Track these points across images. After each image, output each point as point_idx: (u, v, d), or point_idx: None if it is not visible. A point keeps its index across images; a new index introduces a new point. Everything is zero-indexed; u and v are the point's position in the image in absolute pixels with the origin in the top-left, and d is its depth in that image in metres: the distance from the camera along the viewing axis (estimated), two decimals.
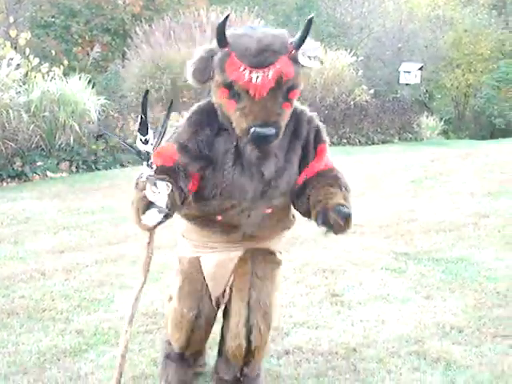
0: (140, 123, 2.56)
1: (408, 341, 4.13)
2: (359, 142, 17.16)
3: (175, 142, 2.87)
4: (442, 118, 21.36)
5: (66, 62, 12.93)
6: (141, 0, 20.98)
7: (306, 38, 2.74)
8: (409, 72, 19.47)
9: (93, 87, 12.61)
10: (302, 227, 6.81)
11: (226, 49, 2.69)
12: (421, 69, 19.92)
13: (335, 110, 16.93)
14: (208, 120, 2.89)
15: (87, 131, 11.32)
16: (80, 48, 20.36)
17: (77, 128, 11.03)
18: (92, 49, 17.07)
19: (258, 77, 2.62)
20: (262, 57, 2.65)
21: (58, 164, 10.83)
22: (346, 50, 18.69)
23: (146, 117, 2.55)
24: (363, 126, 17.49)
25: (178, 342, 3.35)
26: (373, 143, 17.27)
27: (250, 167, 2.85)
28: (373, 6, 26.43)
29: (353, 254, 5.90)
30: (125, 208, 7.87)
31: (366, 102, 17.96)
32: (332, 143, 14.49)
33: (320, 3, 27.04)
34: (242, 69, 2.64)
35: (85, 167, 11.15)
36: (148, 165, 2.60)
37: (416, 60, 21.42)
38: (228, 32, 2.72)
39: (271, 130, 2.69)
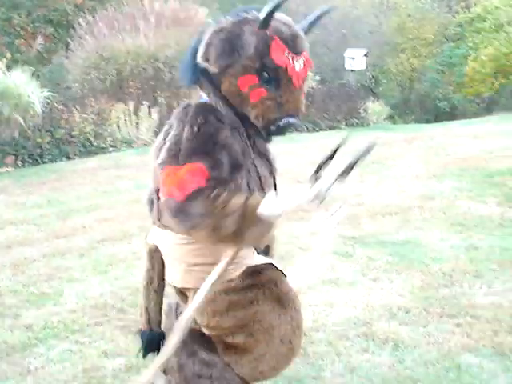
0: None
1: (356, 323, 4.20)
2: (306, 128, 17.23)
3: (200, 157, 2.38)
4: (388, 103, 21.59)
5: (8, 55, 12.79)
6: None
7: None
8: (353, 58, 19.62)
9: (37, 80, 12.46)
10: None
11: (267, 31, 2.46)
12: (366, 55, 20.08)
13: None
14: (221, 122, 2.48)
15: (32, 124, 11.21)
16: (22, 40, 19.99)
17: (21, 121, 10.90)
18: (35, 41, 16.85)
19: (299, 64, 2.49)
20: (296, 43, 2.50)
21: (2, 158, 10.70)
22: None
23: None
24: (310, 112, 17.56)
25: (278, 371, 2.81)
26: (320, 130, 17.38)
27: (262, 159, 2.70)
28: None
29: (301, 240, 5.94)
30: (72, 201, 7.85)
31: (312, 88, 18.04)
32: None
33: None
34: (286, 54, 2.45)
35: (30, 161, 11.03)
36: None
37: (361, 45, 21.58)
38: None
39: (299, 121, 2.59)
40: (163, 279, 2.78)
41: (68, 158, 11.51)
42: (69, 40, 17.59)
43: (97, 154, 11.91)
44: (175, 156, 2.40)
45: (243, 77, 2.46)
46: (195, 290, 2.54)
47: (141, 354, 2.93)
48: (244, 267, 2.62)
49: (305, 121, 17.32)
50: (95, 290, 4.85)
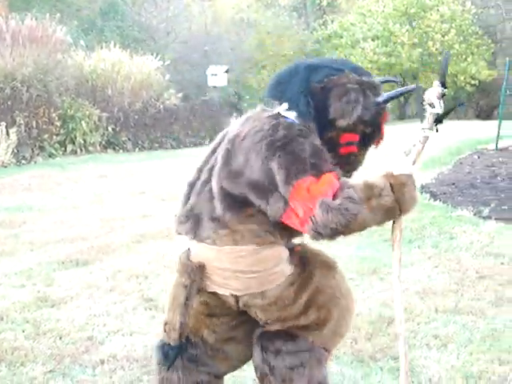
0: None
1: None
2: (171, 145, 17.27)
3: (330, 166, 2.57)
4: None
5: None
6: None
7: None
8: (216, 74, 19.81)
9: None
10: (114, 234, 6.84)
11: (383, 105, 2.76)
12: (227, 71, 20.31)
13: (145, 115, 16.95)
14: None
15: None
16: None
17: None
18: None
19: None
20: None
21: None
22: (152, 54, 18.71)
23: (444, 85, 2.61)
24: (174, 129, 17.62)
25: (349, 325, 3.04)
26: (185, 146, 17.44)
27: None
28: (178, 10, 26.63)
29: (166, 258, 5.93)
30: None
31: (176, 105, 18.09)
32: (144, 148, 14.47)
33: (125, 8, 26.92)
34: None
35: None
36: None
37: (223, 62, 21.83)
38: None
39: None
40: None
41: None
42: None
43: None
44: (305, 169, 2.49)
45: (348, 134, 2.66)
46: (261, 294, 2.72)
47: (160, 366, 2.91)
48: (290, 257, 2.78)
49: (169, 138, 17.35)
50: None
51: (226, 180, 2.63)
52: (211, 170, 2.74)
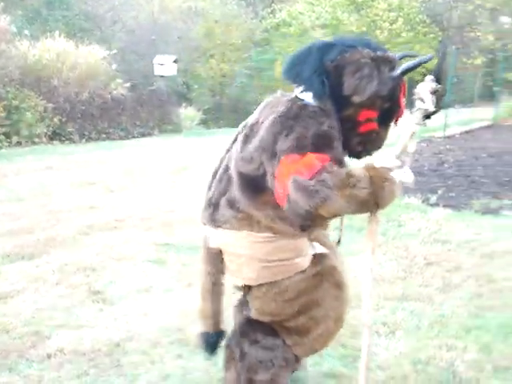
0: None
1: (170, 330, 4.19)
2: (119, 136, 17.10)
3: (326, 150, 2.54)
4: (200, 108, 21.82)
5: None
6: None
7: None
8: (163, 64, 19.65)
9: None
10: (61, 226, 6.73)
11: (401, 79, 2.73)
12: (175, 61, 20.17)
13: (92, 105, 16.75)
14: (334, 123, 2.67)
15: None
16: None
17: None
18: None
19: None
20: None
21: None
22: (98, 43, 18.48)
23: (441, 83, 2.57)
24: (121, 120, 17.45)
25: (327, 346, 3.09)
26: (133, 137, 17.29)
27: None
28: None
29: (114, 250, 5.88)
30: None
31: (123, 95, 17.91)
32: (91, 139, 14.28)
33: None
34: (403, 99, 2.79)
35: None
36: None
37: (171, 51, 21.67)
38: None
39: None
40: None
41: None
42: None
43: None
44: (302, 147, 2.51)
45: (366, 111, 2.65)
46: (269, 283, 2.78)
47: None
48: (311, 256, 2.84)
49: (117, 129, 17.18)
50: None
51: (242, 162, 2.68)
52: (231, 157, 2.80)
